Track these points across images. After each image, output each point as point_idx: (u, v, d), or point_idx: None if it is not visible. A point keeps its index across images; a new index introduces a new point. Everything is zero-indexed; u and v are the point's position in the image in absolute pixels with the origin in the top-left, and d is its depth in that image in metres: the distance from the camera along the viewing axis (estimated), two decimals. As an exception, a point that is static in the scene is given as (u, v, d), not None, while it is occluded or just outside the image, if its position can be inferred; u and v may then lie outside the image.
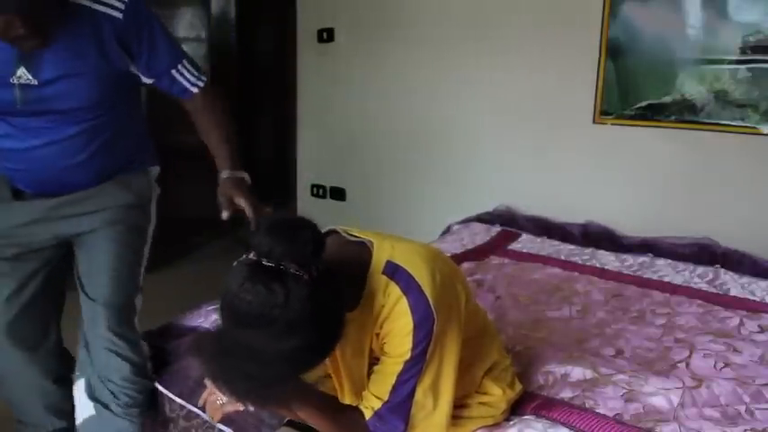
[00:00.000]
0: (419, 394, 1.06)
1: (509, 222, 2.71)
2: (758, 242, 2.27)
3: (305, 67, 3.50)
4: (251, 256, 0.90)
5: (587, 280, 2.10)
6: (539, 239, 2.56)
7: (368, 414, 1.07)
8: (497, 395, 1.22)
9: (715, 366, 1.49)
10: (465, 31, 2.88)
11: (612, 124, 2.58)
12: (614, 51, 2.51)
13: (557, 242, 2.53)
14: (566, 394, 1.35)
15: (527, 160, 2.82)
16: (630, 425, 1.25)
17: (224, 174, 1.46)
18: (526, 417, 1.26)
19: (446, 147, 3.05)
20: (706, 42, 2.33)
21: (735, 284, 2.06)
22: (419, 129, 3.13)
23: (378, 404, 1.06)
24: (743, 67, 2.26)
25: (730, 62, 2.29)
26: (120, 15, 1.32)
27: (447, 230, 2.71)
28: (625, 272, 2.20)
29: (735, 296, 1.98)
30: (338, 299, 0.96)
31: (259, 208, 1.40)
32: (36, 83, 1.31)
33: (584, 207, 2.65)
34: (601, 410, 1.30)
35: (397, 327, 1.03)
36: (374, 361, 1.11)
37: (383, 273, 1.04)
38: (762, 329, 1.71)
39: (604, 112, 2.58)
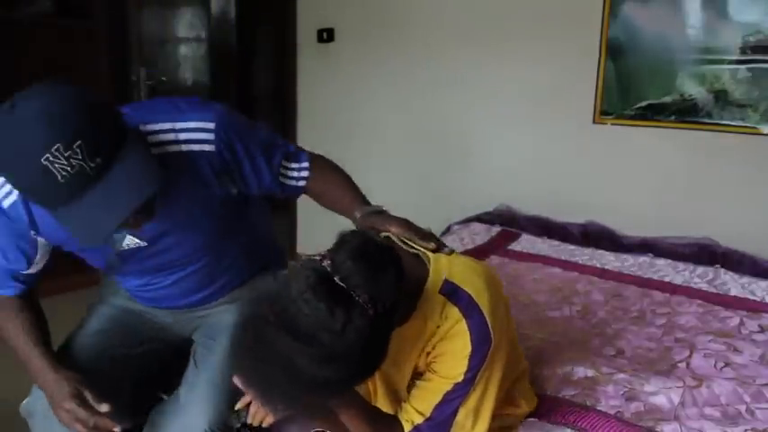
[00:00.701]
0: (461, 415, 1.04)
1: (509, 222, 2.71)
2: (758, 242, 2.27)
3: (305, 67, 3.50)
4: (325, 263, 0.83)
5: (587, 280, 2.10)
6: (539, 239, 2.56)
7: (407, 427, 1.05)
8: (522, 407, 1.23)
9: (715, 366, 1.49)
10: (465, 31, 2.88)
11: (612, 124, 2.58)
12: (614, 51, 2.51)
13: (557, 242, 2.53)
14: (567, 393, 1.35)
15: (527, 160, 2.82)
16: (631, 423, 1.25)
17: (358, 213, 1.23)
18: (528, 419, 1.26)
19: (446, 146, 3.05)
20: (706, 42, 2.33)
21: (735, 284, 2.06)
22: (419, 128, 3.13)
23: (419, 419, 1.04)
24: (743, 67, 2.27)
25: (730, 62, 2.29)
26: (212, 148, 1.13)
27: (447, 230, 2.71)
28: (625, 272, 2.20)
29: (735, 296, 1.98)
30: (391, 330, 0.90)
31: (416, 229, 1.16)
32: (145, 244, 1.19)
33: (584, 207, 2.65)
34: (601, 408, 1.30)
35: (454, 348, 1.00)
36: (416, 375, 1.09)
37: (440, 292, 1.01)
38: (762, 329, 1.71)
39: (604, 112, 2.58)
